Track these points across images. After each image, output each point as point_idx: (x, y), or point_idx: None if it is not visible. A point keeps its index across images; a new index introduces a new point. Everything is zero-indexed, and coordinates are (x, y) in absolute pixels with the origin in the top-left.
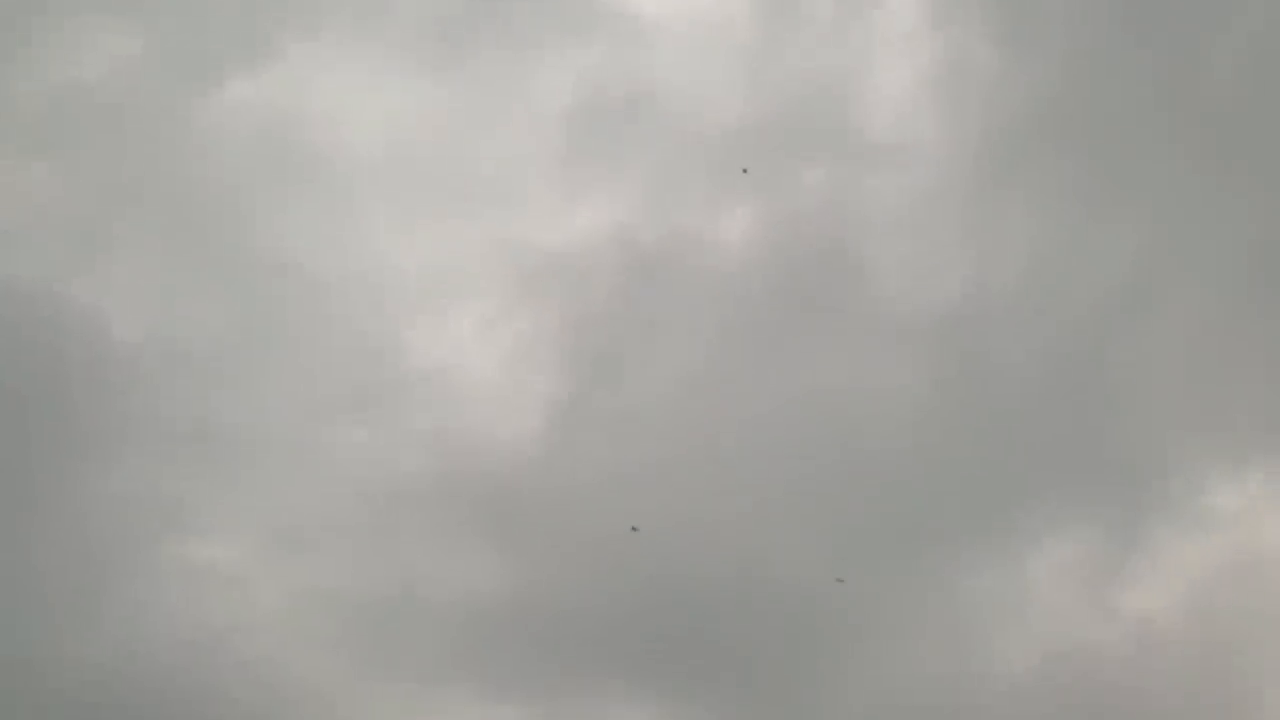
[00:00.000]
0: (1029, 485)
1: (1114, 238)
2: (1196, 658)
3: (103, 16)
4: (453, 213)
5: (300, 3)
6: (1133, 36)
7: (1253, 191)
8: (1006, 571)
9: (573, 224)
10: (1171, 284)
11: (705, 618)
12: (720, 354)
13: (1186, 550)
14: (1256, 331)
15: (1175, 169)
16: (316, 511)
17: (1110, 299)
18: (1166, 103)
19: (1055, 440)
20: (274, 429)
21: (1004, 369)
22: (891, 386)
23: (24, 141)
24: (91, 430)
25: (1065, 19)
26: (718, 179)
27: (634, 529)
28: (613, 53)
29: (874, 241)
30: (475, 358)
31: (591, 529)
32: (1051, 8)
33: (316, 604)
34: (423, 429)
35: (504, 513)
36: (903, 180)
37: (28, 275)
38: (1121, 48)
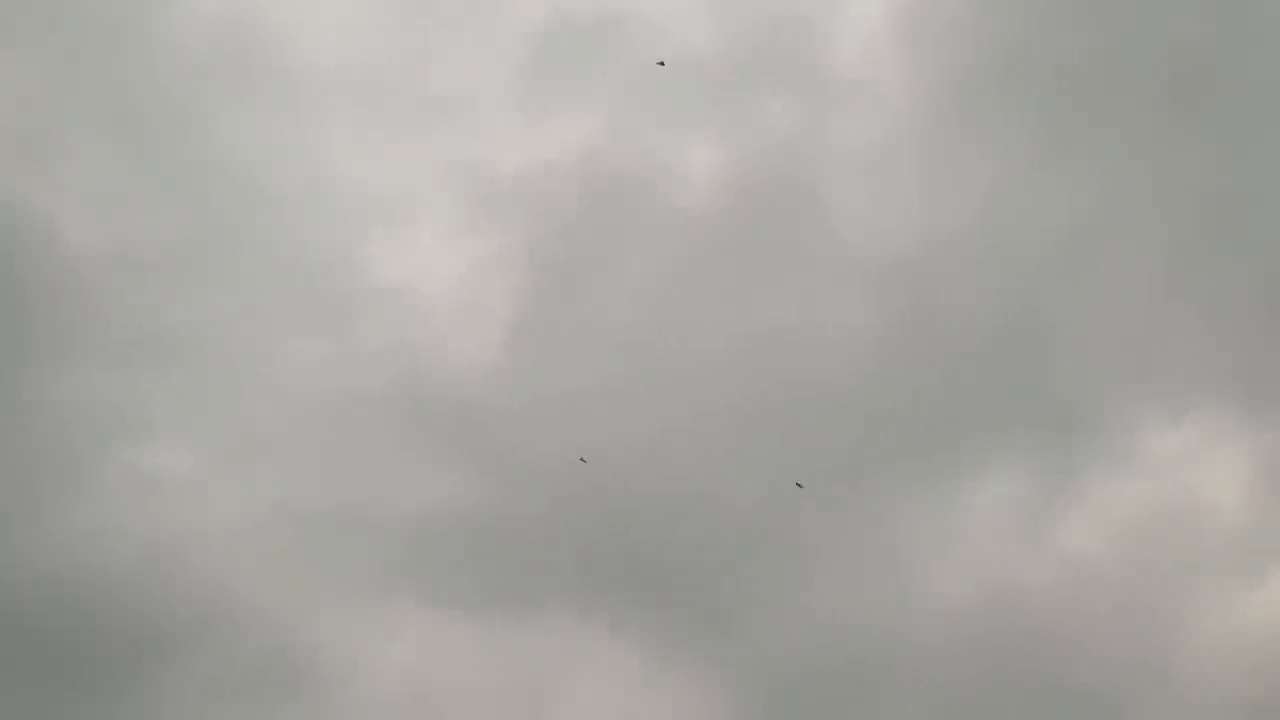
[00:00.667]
0: (971, 424)
1: (1064, 187)
2: (1123, 595)
3: None
4: (413, 129)
5: None
6: None
7: (1202, 145)
8: (945, 505)
9: (535, 145)
10: (1118, 233)
11: (653, 536)
12: (678, 282)
13: (1120, 493)
14: (1198, 282)
15: (1127, 121)
16: (271, 423)
17: (1058, 247)
18: (1122, 57)
19: (998, 382)
20: (228, 339)
21: (953, 311)
22: (844, 323)
23: None
24: (42, 336)
25: None
26: (683, 109)
27: (582, 460)
28: None
29: (834, 180)
30: (433, 275)
31: (545, 446)
32: None
33: (270, 515)
34: (379, 344)
35: (459, 428)
36: (864, 120)
37: None
38: (1082, 1)
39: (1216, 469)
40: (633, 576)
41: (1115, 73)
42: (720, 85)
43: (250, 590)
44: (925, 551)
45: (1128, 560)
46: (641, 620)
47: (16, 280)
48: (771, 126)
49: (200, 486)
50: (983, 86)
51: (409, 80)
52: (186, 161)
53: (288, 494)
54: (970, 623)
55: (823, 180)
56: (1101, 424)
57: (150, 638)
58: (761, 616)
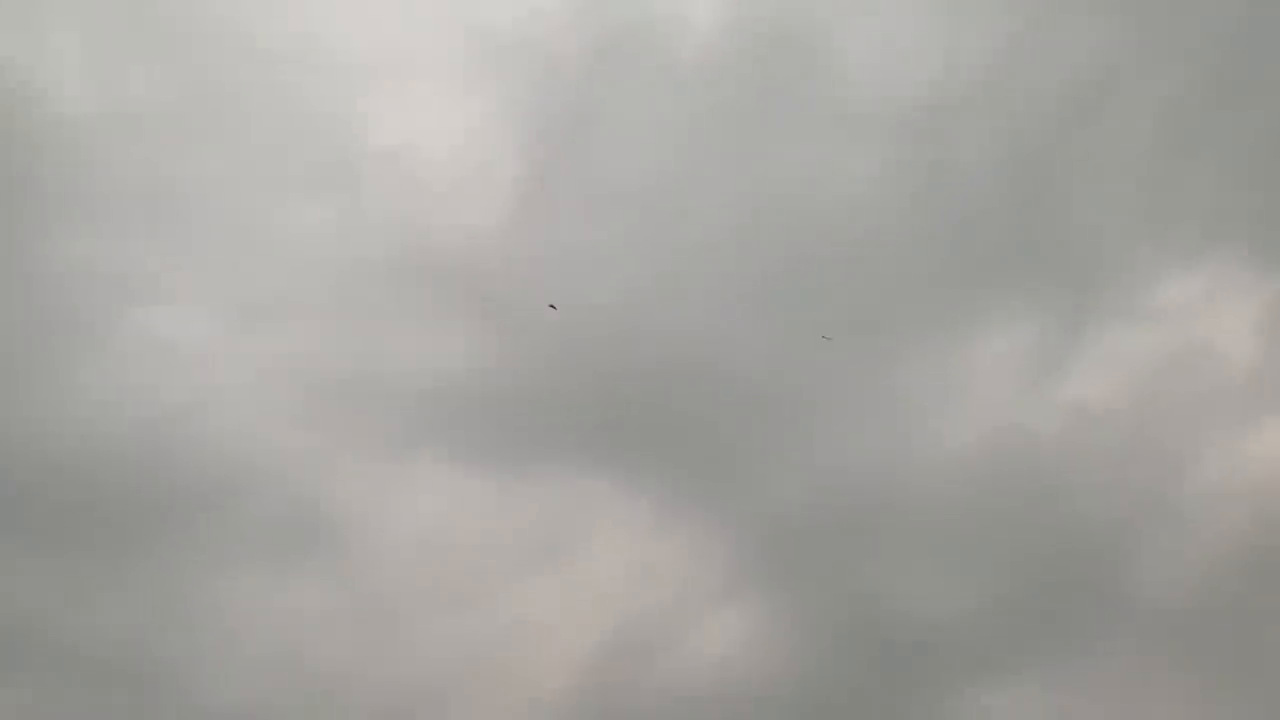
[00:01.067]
0: (980, 276)
1: (1076, 33)
2: (1130, 441)
3: None
4: None
5: None
6: None
7: None
8: (952, 357)
9: (532, 2)
10: (1130, 81)
11: (661, 391)
12: (684, 135)
13: (1130, 342)
14: (1211, 129)
15: None
16: (278, 288)
17: (1069, 96)
18: None
19: (1009, 234)
20: (231, 203)
21: (963, 163)
22: (852, 177)
23: None
24: (42, 200)
25: None
26: None
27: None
28: None
29: (843, 28)
30: (435, 134)
31: (550, 309)
32: None
33: (282, 379)
34: (384, 205)
35: (468, 289)
36: None
37: None
38: None
39: (1226, 317)
40: (641, 431)
41: None
42: None
43: (266, 453)
44: (931, 402)
45: (1135, 407)
46: (650, 473)
47: (14, 144)
48: None
49: (211, 351)
50: None
51: None
52: (180, 19)
53: (300, 358)
54: (975, 469)
55: (831, 28)
56: (1111, 274)
57: (167, 501)
58: (766, 467)
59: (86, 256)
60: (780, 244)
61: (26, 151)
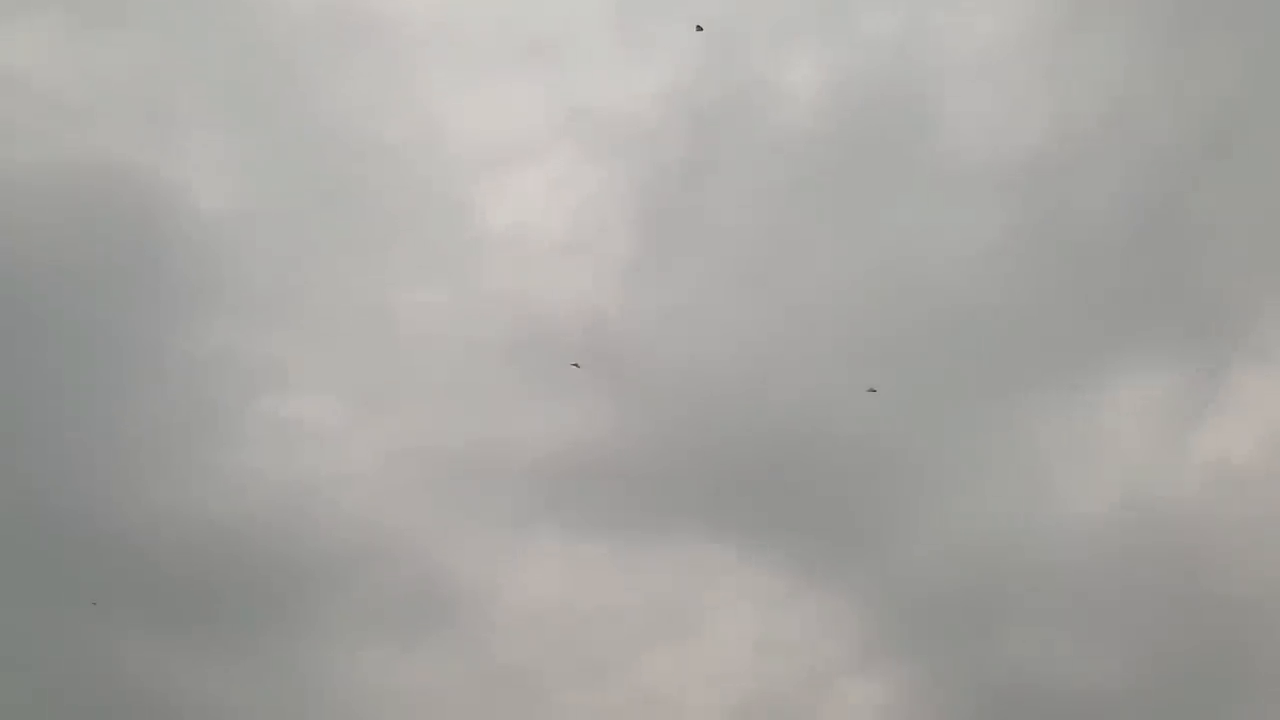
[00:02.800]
0: (1108, 330)
1: (1198, 76)
2: (1275, 500)
3: None
4: (512, 75)
5: None
6: None
7: None
8: (1082, 415)
9: (635, 78)
10: (1256, 122)
11: (783, 460)
12: (789, 207)
13: (1269, 393)
14: None
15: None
16: (398, 369)
17: (1193, 138)
18: None
19: (1137, 283)
20: (353, 291)
21: (1085, 214)
22: (966, 235)
23: (93, 17)
24: (179, 297)
25: None
26: (780, 28)
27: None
28: None
29: (946, 86)
30: (545, 215)
31: (666, 377)
32: None
33: (403, 457)
34: (497, 288)
35: (581, 365)
36: (974, 17)
37: (113, 151)
38: None
39: None
40: (763, 497)
41: None
42: None
43: (392, 528)
44: (1063, 463)
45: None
46: (774, 539)
47: (151, 246)
48: (875, 34)
49: (337, 432)
50: None
51: (506, 25)
52: (299, 122)
53: (420, 435)
54: (1112, 535)
55: (934, 87)
56: (1248, 321)
57: (296, 579)
58: (893, 532)
59: (219, 348)
60: (894, 305)
61: (165, 249)
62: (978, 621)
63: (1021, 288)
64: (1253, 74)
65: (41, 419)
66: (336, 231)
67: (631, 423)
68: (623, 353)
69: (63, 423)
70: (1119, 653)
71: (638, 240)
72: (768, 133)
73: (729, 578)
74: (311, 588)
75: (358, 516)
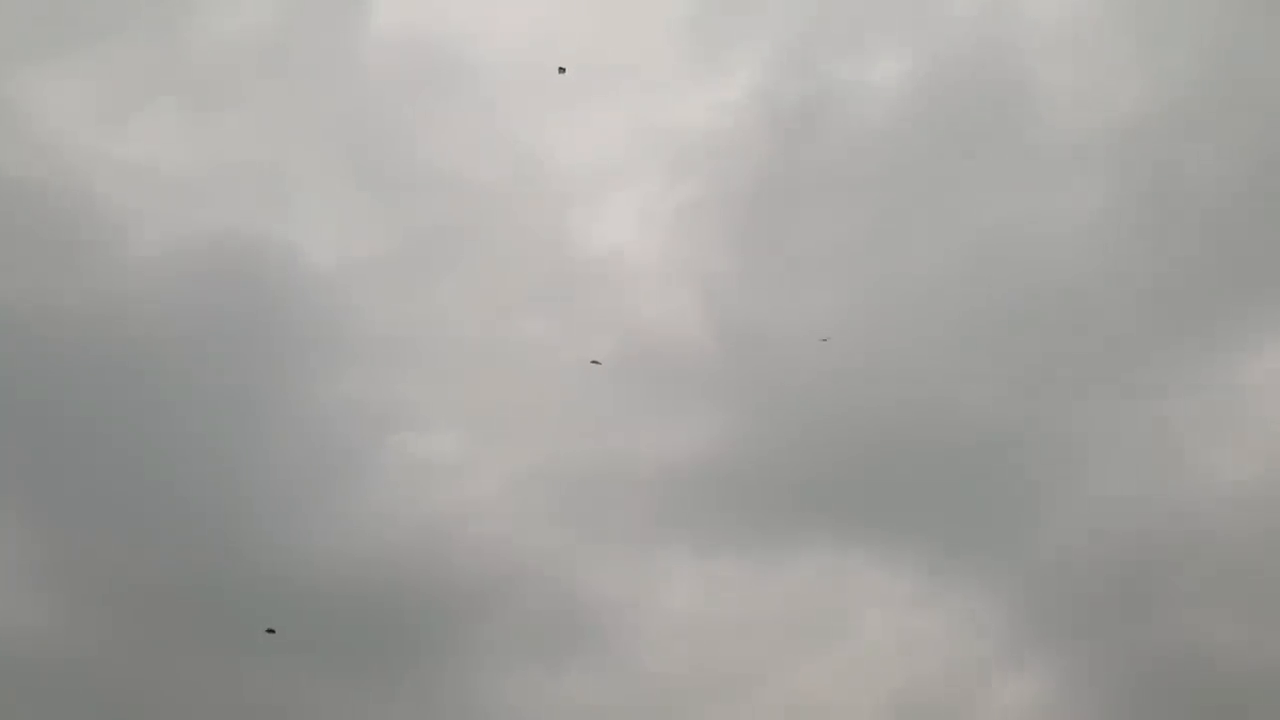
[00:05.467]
0: (1237, 291)
1: None
2: None
3: None
4: (595, 102)
5: None
6: None
7: None
8: (1216, 381)
9: (716, 91)
10: None
11: (909, 457)
12: (882, 203)
13: None
14: None
15: None
16: (515, 398)
17: None
18: None
19: (1264, 242)
20: (465, 328)
21: (1199, 175)
22: (1073, 207)
23: (205, 101)
24: (303, 350)
25: None
26: (859, 23)
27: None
28: None
29: (1037, 64)
30: (639, 239)
31: (780, 382)
32: None
33: (530, 483)
34: (600, 311)
35: (693, 379)
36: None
37: (231, 222)
38: None
39: None
40: (893, 496)
41: None
42: None
43: (525, 553)
44: (1202, 432)
45: None
46: (908, 538)
47: (271, 305)
48: (955, 17)
49: (463, 464)
50: None
51: (584, 54)
52: (399, 172)
53: (545, 459)
54: (1264, 502)
55: (1024, 67)
56: None
57: (438, 609)
58: (1032, 520)
59: (346, 393)
60: (1001, 288)
61: (286, 307)
62: (1132, 605)
63: (1138, 256)
64: None
65: (200, 476)
66: (444, 272)
67: (753, 432)
68: (728, 364)
69: (220, 475)
70: None
71: (734, 250)
72: (855, 130)
73: (865, 580)
74: (455, 617)
75: (493, 543)
